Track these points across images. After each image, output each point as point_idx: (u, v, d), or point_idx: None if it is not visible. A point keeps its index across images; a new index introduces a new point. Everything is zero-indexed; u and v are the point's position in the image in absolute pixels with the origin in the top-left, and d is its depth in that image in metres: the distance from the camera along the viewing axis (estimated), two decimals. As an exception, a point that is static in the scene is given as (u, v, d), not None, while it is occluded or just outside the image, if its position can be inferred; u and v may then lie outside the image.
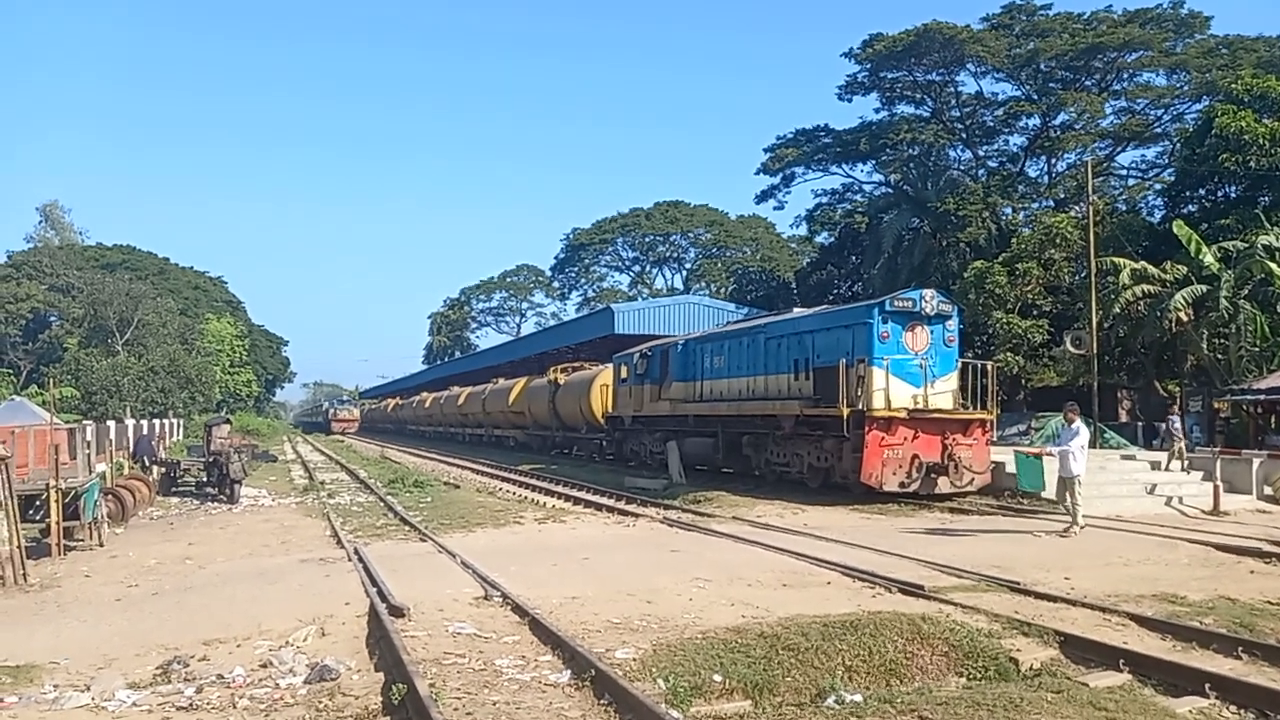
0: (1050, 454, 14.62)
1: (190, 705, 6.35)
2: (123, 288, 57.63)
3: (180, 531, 16.36)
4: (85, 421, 25.65)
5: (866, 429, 16.72)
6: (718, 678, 6.49)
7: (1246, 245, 27.31)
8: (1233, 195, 32.51)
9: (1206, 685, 6.38)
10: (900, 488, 16.94)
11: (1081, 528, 13.60)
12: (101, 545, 14.35)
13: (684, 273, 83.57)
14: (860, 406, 16.94)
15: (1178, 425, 20.33)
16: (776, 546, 12.31)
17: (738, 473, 22.17)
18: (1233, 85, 31.85)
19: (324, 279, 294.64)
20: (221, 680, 6.84)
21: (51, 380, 25.27)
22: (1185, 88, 40.52)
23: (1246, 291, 26.84)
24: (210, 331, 70.88)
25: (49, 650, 7.85)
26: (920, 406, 17.25)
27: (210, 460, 22.39)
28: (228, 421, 26.17)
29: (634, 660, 6.86)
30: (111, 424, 27.96)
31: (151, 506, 19.87)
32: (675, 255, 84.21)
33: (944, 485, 17.10)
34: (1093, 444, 18.26)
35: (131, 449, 27.34)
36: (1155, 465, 19.30)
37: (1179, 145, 38.09)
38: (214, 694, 6.57)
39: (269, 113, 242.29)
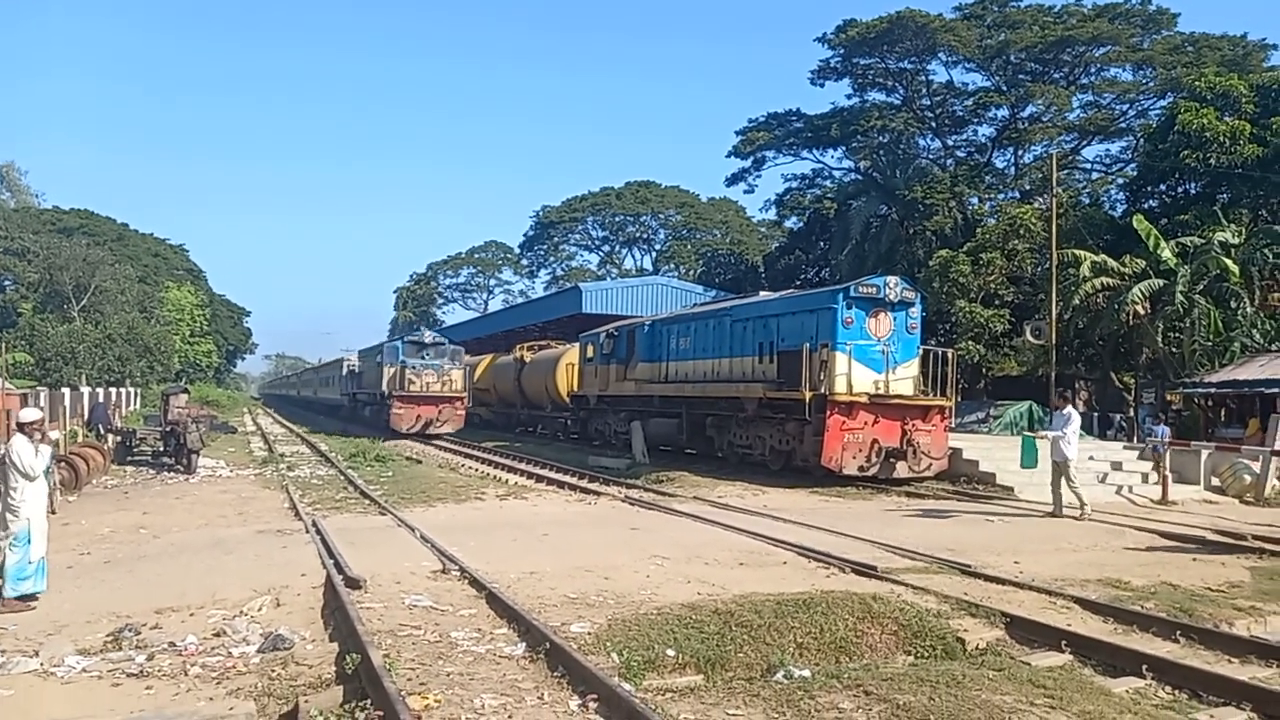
0: (1044, 437, 14.95)
1: (141, 672, 6.31)
2: (80, 253, 56.43)
3: (135, 500, 16.14)
4: (39, 388, 25.19)
5: (828, 413, 16.90)
6: (671, 652, 6.57)
7: (1204, 241, 27.84)
8: (1193, 191, 33.09)
9: (1144, 666, 6.57)
10: (859, 471, 17.17)
11: (1053, 512, 14.11)
12: (54, 513, 14.00)
13: (653, 254, 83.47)
14: (822, 391, 17.10)
15: (1164, 434, 18.91)
16: (735, 526, 12.44)
17: (701, 454, 22.32)
18: (1196, 83, 32.33)
19: (288, 251, 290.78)
20: (173, 648, 6.80)
21: (4, 346, 24.71)
22: (1150, 84, 41.11)
23: (1202, 287, 27.39)
24: (170, 300, 69.77)
25: (-3, 616, 7.76)
26: (881, 392, 17.46)
27: (167, 430, 22.09)
28: (185, 391, 25.78)
29: (589, 634, 6.93)
30: (66, 391, 27.46)
31: (106, 475, 19.57)
32: (645, 236, 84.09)
33: (902, 470, 17.36)
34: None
35: (87, 417, 26.90)
36: (1113, 464, 19.60)
37: (1142, 141, 38.71)
38: (165, 661, 6.53)
39: (234, 75, 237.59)
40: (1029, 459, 15.16)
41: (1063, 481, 14.25)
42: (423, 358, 34.81)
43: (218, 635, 7.14)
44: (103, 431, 24.47)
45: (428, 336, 37.55)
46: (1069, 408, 14.62)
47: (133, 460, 22.61)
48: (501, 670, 6.21)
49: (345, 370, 45.94)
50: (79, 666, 6.42)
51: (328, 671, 6.30)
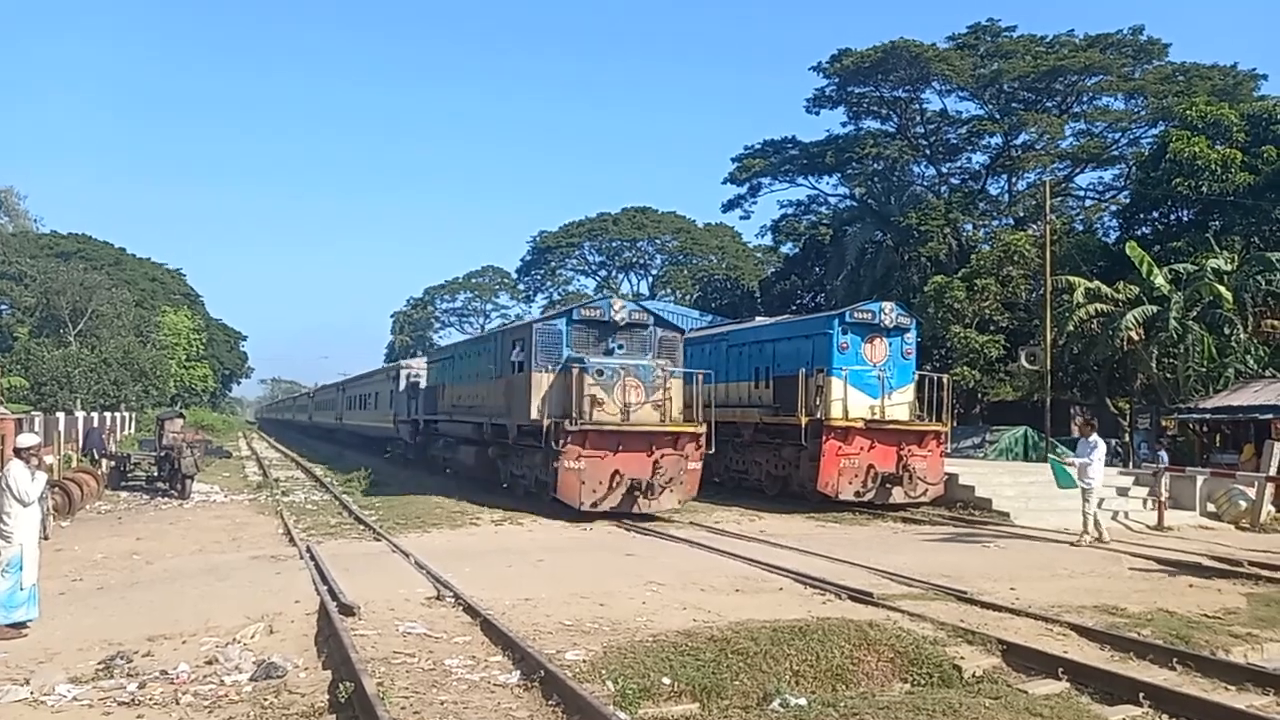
0: (1072, 464, 15.03)
1: (132, 700, 6.27)
2: (77, 277, 56.50)
3: (129, 526, 16.05)
4: (34, 412, 25.12)
5: (824, 438, 16.91)
6: (666, 680, 6.54)
7: (1196, 268, 28.03)
8: (1185, 219, 33.36)
9: (1141, 694, 6.56)
10: (856, 497, 17.15)
11: (1095, 538, 14.13)
12: (46, 539, 13.84)
13: (649, 279, 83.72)
14: (819, 416, 17.12)
15: (1164, 459, 18.96)
16: (731, 552, 12.40)
17: (696, 479, 22.21)
18: (1187, 111, 32.67)
19: (285, 275, 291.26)
20: (165, 676, 6.75)
21: (0, 370, 24.66)
22: (1142, 112, 41.50)
23: (1195, 313, 27.52)
24: (166, 324, 69.65)
25: (-13, 644, 7.70)
26: (877, 417, 17.48)
27: (162, 454, 22.00)
28: (181, 415, 25.72)
29: (584, 662, 6.90)
30: (61, 416, 27.37)
31: (100, 500, 19.48)
32: (641, 261, 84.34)
33: (898, 495, 17.34)
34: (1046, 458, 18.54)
35: (81, 441, 26.80)
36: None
37: (1134, 168, 38.98)
38: (157, 689, 6.48)
39: (231, 102, 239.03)
40: (1066, 479, 15.03)
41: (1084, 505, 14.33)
42: (611, 351, 17.15)
43: (210, 663, 7.09)
44: (97, 456, 24.38)
45: (619, 308, 17.53)
46: (1095, 435, 14.84)
47: (127, 485, 22.50)
48: (496, 699, 6.17)
49: (404, 383, 29.94)
50: (70, 695, 6.38)
51: (321, 700, 6.25)
